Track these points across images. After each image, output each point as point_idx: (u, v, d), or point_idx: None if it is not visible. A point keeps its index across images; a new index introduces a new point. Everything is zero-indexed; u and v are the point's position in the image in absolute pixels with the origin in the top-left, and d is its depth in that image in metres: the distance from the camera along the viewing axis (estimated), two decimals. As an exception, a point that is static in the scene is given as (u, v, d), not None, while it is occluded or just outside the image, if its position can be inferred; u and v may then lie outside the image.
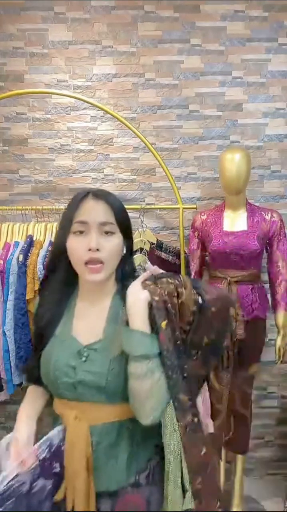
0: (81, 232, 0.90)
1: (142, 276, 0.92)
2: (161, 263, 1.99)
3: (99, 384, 0.89)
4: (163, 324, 0.85)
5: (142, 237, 1.92)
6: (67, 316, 0.98)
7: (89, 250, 0.88)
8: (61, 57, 2.05)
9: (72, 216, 0.92)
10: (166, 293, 0.87)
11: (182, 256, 1.94)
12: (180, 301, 0.88)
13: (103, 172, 2.14)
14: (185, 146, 2.13)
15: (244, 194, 1.91)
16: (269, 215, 1.90)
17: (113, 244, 0.92)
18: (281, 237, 1.91)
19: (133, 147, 2.12)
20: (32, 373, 1.00)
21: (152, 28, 2.03)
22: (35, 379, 0.99)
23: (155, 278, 0.92)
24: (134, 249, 1.90)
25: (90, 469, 0.88)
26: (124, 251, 0.98)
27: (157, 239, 2.02)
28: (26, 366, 1.06)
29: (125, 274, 1.01)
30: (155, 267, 0.97)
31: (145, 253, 1.90)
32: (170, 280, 0.91)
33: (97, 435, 0.90)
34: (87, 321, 0.96)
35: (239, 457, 2.10)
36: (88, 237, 0.89)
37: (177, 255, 1.99)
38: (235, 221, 1.90)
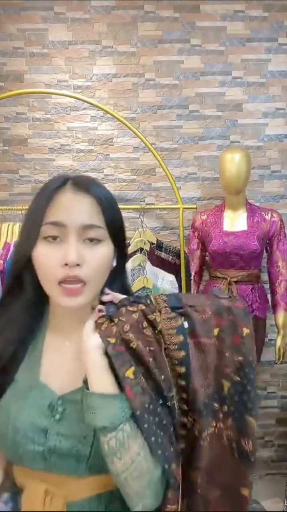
0: (54, 238, 0.62)
1: (94, 314, 0.64)
2: (161, 263, 1.99)
3: (80, 453, 0.62)
4: (129, 372, 0.58)
5: (142, 237, 1.92)
6: (32, 355, 0.70)
7: (65, 264, 0.60)
8: (61, 57, 2.05)
9: (42, 214, 0.63)
10: (127, 328, 0.60)
11: (182, 256, 1.94)
12: (156, 330, 0.62)
13: (103, 172, 2.14)
14: (185, 146, 2.13)
15: (244, 194, 1.91)
16: (269, 215, 1.90)
17: (100, 256, 0.64)
18: (281, 237, 1.91)
19: (133, 147, 2.12)
20: None
21: (152, 28, 2.03)
22: None
23: (113, 310, 0.64)
24: (134, 249, 1.91)
25: None
26: (114, 264, 0.69)
27: (157, 239, 2.02)
28: None
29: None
30: (113, 294, 0.67)
31: (145, 253, 1.90)
32: (131, 308, 0.63)
33: None
34: (61, 362, 0.69)
35: (239, 457, 2.10)
36: (64, 245, 0.61)
37: (177, 255, 1.99)
38: (235, 221, 1.90)
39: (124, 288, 0.74)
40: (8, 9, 2.01)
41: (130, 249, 1.92)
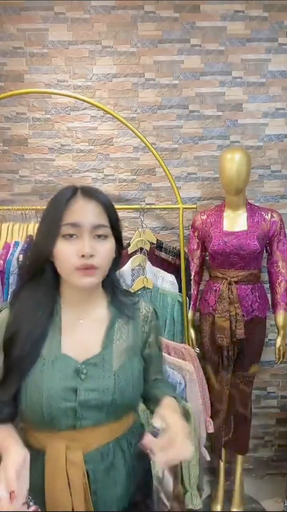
0: (71, 236, 0.80)
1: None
2: (161, 263, 1.99)
3: (104, 402, 0.82)
4: None
5: (142, 237, 1.92)
6: (52, 332, 0.85)
7: (83, 256, 0.79)
8: (61, 57, 2.05)
9: (61, 217, 0.79)
10: None
11: (182, 256, 1.94)
12: None
13: (103, 172, 2.14)
14: (185, 146, 2.13)
15: (244, 194, 1.91)
16: (269, 215, 1.90)
17: (107, 249, 0.83)
18: (281, 237, 1.91)
19: (133, 147, 2.12)
20: (1, 412, 0.83)
21: (152, 28, 2.03)
22: (3, 418, 0.84)
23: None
24: (134, 249, 1.91)
25: (88, 500, 0.80)
26: (114, 255, 0.87)
27: (157, 239, 2.02)
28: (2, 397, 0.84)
29: (114, 280, 0.93)
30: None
31: (145, 253, 1.90)
32: None
33: (92, 462, 0.83)
34: (78, 336, 0.87)
35: (239, 457, 2.10)
36: (79, 241, 0.79)
37: (177, 255, 1.99)
38: (235, 221, 1.90)
39: (117, 276, 0.96)
40: (8, 9, 2.01)
41: (130, 249, 1.92)
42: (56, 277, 0.86)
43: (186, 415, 1.66)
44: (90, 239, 0.80)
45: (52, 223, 0.80)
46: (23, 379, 0.81)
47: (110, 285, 0.93)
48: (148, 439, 0.76)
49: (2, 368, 0.83)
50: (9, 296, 1.79)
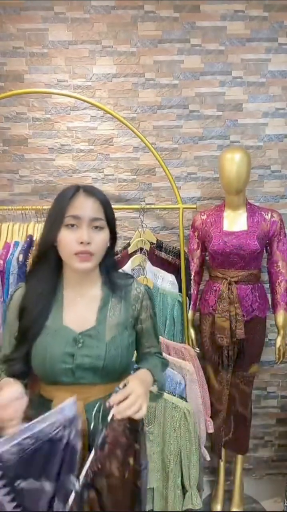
0: (72, 226, 0.96)
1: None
2: (161, 263, 1.99)
3: (97, 366, 0.98)
4: None
5: (142, 237, 1.92)
6: (55, 307, 1.02)
7: (81, 243, 0.95)
8: (61, 57, 2.05)
9: (65, 210, 0.96)
10: None
11: (182, 256, 1.94)
12: None
13: (103, 172, 2.14)
14: (185, 146, 2.13)
15: (244, 194, 1.91)
16: (269, 215, 1.90)
17: (102, 238, 0.99)
18: (281, 237, 1.91)
19: (133, 147, 2.12)
20: (14, 367, 1.01)
21: (152, 28, 2.03)
22: (16, 372, 1.00)
23: None
24: (134, 249, 1.91)
25: (86, 445, 0.94)
26: (108, 245, 1.04)
27: (157, 239, 2.02)
28: (5, 359, 1.03)
29: (108, 265, 1.09)
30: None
31: (145, 253, 1.90)
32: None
33: (90, 411, 0.97)
34: (77, 310, 1.03)
35: (239, 457, 2.10)
36: (79, 230, 0.95)
37: (177, 255, 1.99)
38: (235, 221, 1.90)
39: (113, 261, 1.12)
40: (8, 9, 2.01)
41: (130, 249, 1.92)
42: (59, 261, 1.02)
43: (185, 415, 1.66)
44: (88, 229, 0.96)
45: (57, 215, 0.97)
46: (32, 343, 0.99)
47: (105, 269, 1.08)
48: (111, 397, 0.91)
49: (16, 332, 1.01)
50: (9, 294, 1.79)
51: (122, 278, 1.11)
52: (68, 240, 0.95)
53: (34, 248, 1.13)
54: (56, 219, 0.97)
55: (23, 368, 1.00)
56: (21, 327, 1.01)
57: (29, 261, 1.79)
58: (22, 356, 1.00)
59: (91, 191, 0.99)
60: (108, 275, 1.08)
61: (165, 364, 1.20)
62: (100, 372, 0.99)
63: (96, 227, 0.98)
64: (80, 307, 1.03)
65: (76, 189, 0.98)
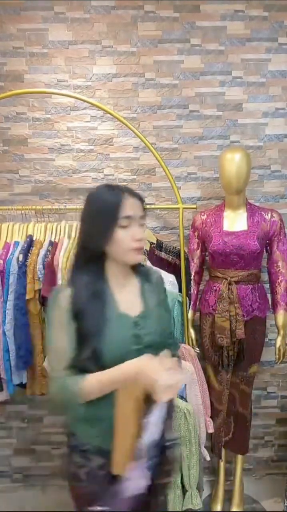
0: (125, 227, 1.05)
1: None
2: (161, 263, 1.99)
3: (156, 342, 1.10)
4: None
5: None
6: (108, 299, 1.10)
7: (137, 240, 1.06)
8: (61, 57, 2.05)
9: (118, 213, 1.04)
10: None
11: (182, 256, 1.94)
12: None
13: (103, 172, 2.14)
14: (185, 146, 2.13)
15: (244, 194, 1.91)
16: (269, 215, 1.90)
17: (144, 234, 1.10)
18: (281, 237, 1.91)
19: (133, 147, 2.12)
20: (84, 365, 1.04)
21: (152, 28, 2.03)
22: (88, 370, 1.04)
23: None
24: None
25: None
26: None
27: (157, 239, 2.02)
28: (73, 362, 1.05)
29: None
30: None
31: (145, 253, 1.90)
32: None
33: None
34: (126, 299, 1.13)
35: (239, 457, 2.10)
36: (132, 229, 1.06)
37: (177, 255, 1.99)
38: (235, 221, 1.90)
39: None
40: (8, 9, 2.01)
41: (130, 249, 1.92)
42: (101, 258, 1.11)
43: (185, 415, 1.66)
44: (138, 227, 1.07)
45: (109, 217, 1.04)
46: (99, 337, 1.04)
47: None
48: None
49: (74, 333, 1.04)
50: (9, 295, 1.79)
51: (141, 266, 1.23)
52: (125, 239, 1.05)
53: (74, 250, 1.15)
54: (108, 222, 1.04)
55: (91, 366, 1.04)
56: (84, 326, 1.04)
57: (29, 261, 1.78)
58: (92, 352, 1.03)
59: (133, 192, 1.08)
60: (137, 265, 1.18)
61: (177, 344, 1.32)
62: (155, 346, 1.10)
63: (142, 225, 1.09)
64: (127, 295, 1.13)
65: (121, 192, 1.06)
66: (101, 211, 1.05)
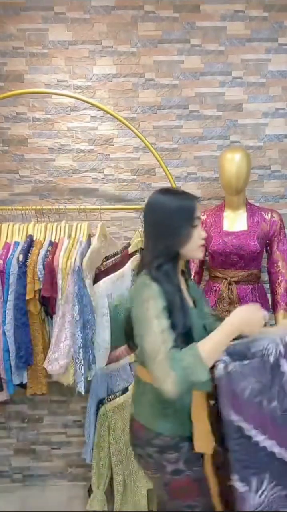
0: (195, 226, 1.19)
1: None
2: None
3: (207, 326, 1.25)
4: None
5: (142, 237, 1.91)
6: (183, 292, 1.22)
7: (203, 238, 1.22)
8: (61, 57, 2.05)
9: (194, 215, 1.18)
10: None
11: (182, 256, 1.93)
12: None
13: (103, 172, 2.14)
14: (185, 146, 2.13)
15: (244, 194, 1.91)
16: (269, 215, 1.90)
17: None
18: (281, 237, 1.91)
19: (133, 147, 2.12)
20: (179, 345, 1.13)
21: (152, 28, 2.03)
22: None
23: None
24: (134, 249, 1.91)
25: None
26: None
27: (157, 239, 2.01)
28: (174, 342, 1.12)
29: None
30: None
31: (145, 253, 1.90)
32: None
33: None
34: (186, 291, 1.28)
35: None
36: (199, 228, 1.20)
37: (177, 255, 1.99)
38: (235, 221, 1.90)
39: None
40: (8, 9, 2.01)
41: (130, 249, 1.92)
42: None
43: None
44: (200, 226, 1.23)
45: (189, 220, 1.18)
46: (188, 324, 1.15)
47: None
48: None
49: (167, 324, 1.11)
50: (9, 295, 1.78)
51: None
52: (197, 237, 1.19)
53: (158, 250, 1.21)
54: (188, 223, 1.18)
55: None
56: (175, 315, 1.13)
57: (29, 261, 1.78)
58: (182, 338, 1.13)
59: (194, 195, 1.24)
60: None
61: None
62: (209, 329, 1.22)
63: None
64: (185, 288, 1.28)
65: (190, 195, 1.22)
66: (181, 214, 1.17)
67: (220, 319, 1.31)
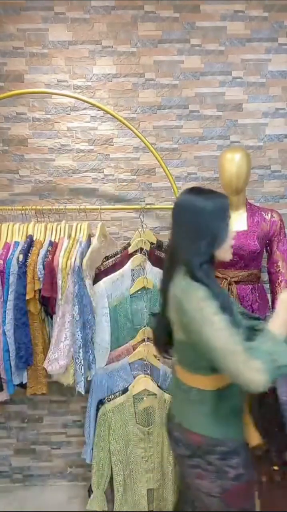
0: (229, 225, 1.19)
1: None
2: (161, 263, 1.99)
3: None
4: None
5: (142, 237, 1.92)
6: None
7: (232, 239, 1.21)
8: (61, 57, 2.05)
9: (228, 213, 1.18)
10: None
11: (182, 256, 1.93)
12: None
13: (103, 172, 2.14)
14: (185, 146, 2.13)
15: (244, 194, 1.91)
16: (269, 215, 1.90)
17: None
18: (281, 237, 1.91)
19: (133, 147, 2.12)
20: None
21: (152, 28, 2.03)
22: None
23: None
24: (134, 249, 1.91)
25: None
26: None
27: (157, 239, 2.01)
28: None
29: None
30: None
31: (145, 253, 1.90)
32: None
33: None
34: None
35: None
36: (230, 228, 1.20)
37: (177, 255, 1.98)
38: (235, 221, 1.89)
39: None
40: (8, 9, 2.01)
41: (130, 249, 1.92)
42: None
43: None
44: None
45: (225, 219, 1.17)
46: (235, 320, 1.16)
47: None
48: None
49: (228, 319, 1.09)
50: (9, 295, 1.78)
51: None
52: (230, 237, 1.19)
53: (200, 249, 1.18)
54: (225, 223, 1.18)
55: None
56: (226, 314, 1.12)
57: (29, 261, 1.78)
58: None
59: None
60: None
61: None
62: None
63: None
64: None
65: (225, 196, 1.20)
66: (218, 214, 1.16)
67: (245, 315, 1.35)
